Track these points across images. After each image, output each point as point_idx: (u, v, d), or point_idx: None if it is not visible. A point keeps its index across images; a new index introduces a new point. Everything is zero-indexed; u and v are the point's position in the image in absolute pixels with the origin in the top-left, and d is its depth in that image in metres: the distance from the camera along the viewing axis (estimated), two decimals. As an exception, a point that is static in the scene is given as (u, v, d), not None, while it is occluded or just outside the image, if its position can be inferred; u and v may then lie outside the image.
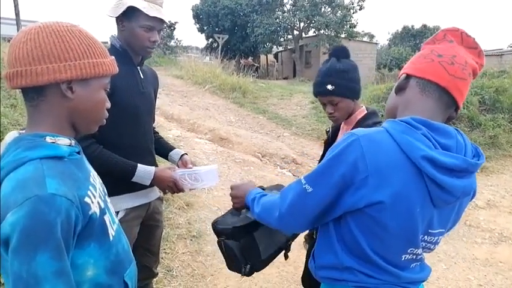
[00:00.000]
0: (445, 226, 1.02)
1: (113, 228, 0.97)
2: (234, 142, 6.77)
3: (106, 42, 2.06)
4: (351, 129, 1.53)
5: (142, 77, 1.71)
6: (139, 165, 1.60)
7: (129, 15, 1.55)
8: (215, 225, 1.50)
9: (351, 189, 0.92)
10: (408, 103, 1.00)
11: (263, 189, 1.69)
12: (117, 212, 1.61)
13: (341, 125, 1.75)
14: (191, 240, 3.34)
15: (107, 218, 0.94)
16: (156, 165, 1.86)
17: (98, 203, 0.91)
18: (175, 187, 1.67)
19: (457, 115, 1.03)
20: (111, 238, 0.94)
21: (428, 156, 0.87)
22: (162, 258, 2.88)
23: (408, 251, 0.99)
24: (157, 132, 2.00)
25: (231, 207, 1.44)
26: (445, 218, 1.00)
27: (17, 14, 11.47)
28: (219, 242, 1.49)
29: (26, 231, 0.72)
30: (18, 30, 10.99)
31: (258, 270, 1.47)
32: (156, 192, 1.85)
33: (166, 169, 1.68)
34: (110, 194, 1.06)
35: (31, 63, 0.83)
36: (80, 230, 0.82)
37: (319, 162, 1.79)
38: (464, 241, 3.94)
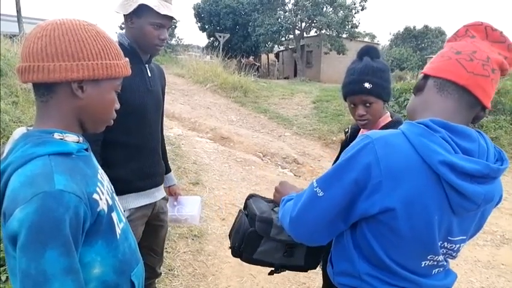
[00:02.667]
0: (466, 233, 0.97)
1: (120, 227, 0.96)
2: (235, 141, 6.77)
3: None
4: None
5: (149, 75, 1.69)
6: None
7: (139, 12, 1.53)
8: (249, 198, 1.49)
9: (364, 195, 0.88)
10: (427, 104, 0.95)
11: None
12: (124, 211, 1.59)
13: (360, 129, 1.63)
14: (192, 239, 3.33)
15: (114, 216, 0.93)
16: (164, 165, 1.88)
17: (106, 200, 0.90)
18: None
19: (485, 114, 0.97)
20: (118, 237, 0.93)
21: (447, 161, 0.82)
22: (164, 257, 2.87)
23: (428, 257, 0.94)
24: (163, 141, 1.97)
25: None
26: (466, 225, 0.95)
27: (18, 11, 11.46)
28: (240, 211, 1.49)
29: (35, 228, 0.71)
30: (19, 27, 10.98)
31: (241, 259, 1.44)
32: (162, 192, 1.84)
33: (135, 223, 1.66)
34: (116, 194, 1.05)
35: (44, 59, 0.82)
36: (89, 226, 0.81)
37: (333, 163, 1.75)
38: (466, 243, 3.92)
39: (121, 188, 1.53)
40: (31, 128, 0.91)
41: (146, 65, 1.68)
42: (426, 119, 0.89)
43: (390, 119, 1.53)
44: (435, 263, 0.97)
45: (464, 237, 0.97)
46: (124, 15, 1.58)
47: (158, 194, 1.79)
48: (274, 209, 1.40)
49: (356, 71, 1.49)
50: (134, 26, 1.57)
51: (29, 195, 0.73)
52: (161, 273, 2.10)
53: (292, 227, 1.02)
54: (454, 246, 0.96)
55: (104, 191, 0.91)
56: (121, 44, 1.61)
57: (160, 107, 1.78)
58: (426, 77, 0.97)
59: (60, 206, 0.74)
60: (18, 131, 0.89)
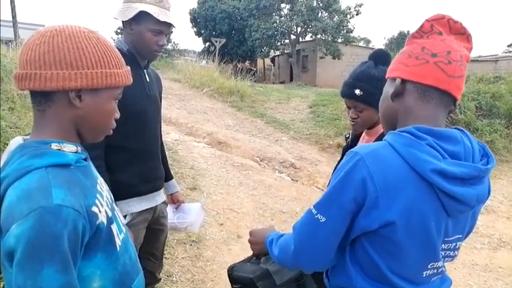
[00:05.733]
0: (462, 232, 0.99)
1: (120, 238, 0.93)
2: (232, 146, 6.76)
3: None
4: (375, 141, 1.44)
5: (148, 80, 1.71)
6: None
7: (139, 19, 1.56)
8: (231, 272, 1.35)
9: (362, 211, 0.88)
10: (409, 110, 0.94)
11: None
12: (125, 216, 1.61)
13: (362, 134, 1.63)
14: (190, 245, 3.32)
15: (114, 227, 0.91)
16: (163, 170, 1.89)
17: (106, 211, 0.88)
18: None
19: (456, 107, 0.98)
20: (118, 248, 0.91)
21: (437, 168, 0.83)
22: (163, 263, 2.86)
23: (429, 266, 0.95)
24: (163, 146, 1.99)
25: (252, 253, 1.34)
26: (461, 225, 0.97)
27: (14, 16, 11.43)
28: None
29: (32, 244, 0.70)
30: (15, 32, 10.95)
31: None
32: (162, 196, 1.85)
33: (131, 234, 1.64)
34: (117, 198, 1.04)
35: (41, 67, 0.80)
36: (88, 240, 0.80)
37: (334, 170, 1.73)
38: (464, 246, 3.93)
39: (123, 192, 1.57)
40: (28, 137, 0.88)
41: (145, 71, 1.70)
42: (410, 126, 0.90)
43: None
44: (435, 270, 0.97)
45: (460, 236, 0.99)
46: (122, 21, 1.60)
47: (158, 198, 1.81)
48: (262, 259, 1.32)
49: (353, 75, 1.50)
50: (134, 32, 1.59)
51: (25, 211, 0.71)
52: (161, 278, 2.09)
53: (298, 258, 0.99)
54: (451, 245, 0.97)
55: (103, 203, 0.88)
56: (119, 50, 1.61)
57: (158, 112, 1.81)
58: (404, 81, 0.94)
59: (58, 221, 0.72)
60: (15, 142, 0.87)
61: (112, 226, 0.90)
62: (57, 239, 0.71)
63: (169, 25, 1.62)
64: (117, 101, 0.95)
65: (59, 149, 0.84)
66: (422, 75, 0.90)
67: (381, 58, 1.48)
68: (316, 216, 0.93)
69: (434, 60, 0.89)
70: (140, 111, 1.62)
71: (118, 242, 0.92)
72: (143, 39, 1.59)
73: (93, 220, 0.81)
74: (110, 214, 0.90)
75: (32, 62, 0.81)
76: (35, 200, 0.72)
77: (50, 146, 0.83)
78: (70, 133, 0.88)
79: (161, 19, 1.55)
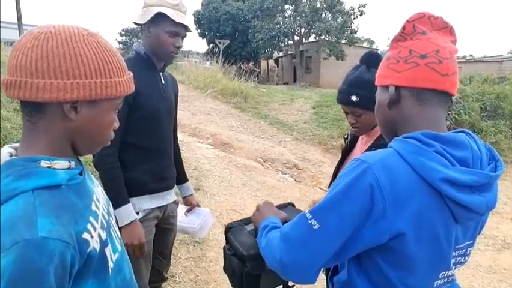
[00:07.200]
0: (473, 238, 0.96)
1: (113, 259, 0.86)
2: (236, 147, 6.78)
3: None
4: (372, 144, 1.46)
5: (163, 82, 1.78)
6: (128, 205, 1.59)
7: (156, 21, 1.63)
8: (228, 231, 1.37)
9: (368, 224, 0.82)
10: (408, 116, 0.91)
11: (292, 205, 1.55)
12: (137, 213, 1.66)
13: (359, 135, 1.63)
14: (193, 245, 3.33)
15: (107, 250, 0.84)
16: (180, 172, 1.99)
17: (99, 235, 0.81)
18: (138, 249, 1.62)
19: (452, 102, 0.95)
20: (110, 272, 0.84)
21: (447, 177, 0.80)
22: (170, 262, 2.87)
23: (440, 276, 0.92)
24: (179, 150, 2.06)
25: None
26: (471, 231, 0.95)
27: (19, 18, 11.53)
28: (225, 250, 1.37)
29: (13, 281, 0.63)
30: (20, 34, 11.05)
31: None
32: (173, 196, 1.90)
33: (142, 229, 1.65)
34: (130, 195, 1.04)
35: (33, 75, 0.71)
36: (77, 269, 0.73)
37: (333, 173, 1.73)
38: (474, 247, 3.91)
39: (136, 189, 1.65)
40: (17, 145, 0.81)
41: (161, 73, 1.77)
42: (416, 132, 0.86)
43: None
44: (446, 280, 0.94)
45: (471, 242, 0.96)
46: (141, 25, 1.68)
47: (170, 197, 1.86)
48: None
49: (347, 81, 1.50)
50: (151, 34, 1.67)
51: (8, 244, 0.64)
52: (167, 277, 2.13)
53: (285, 268, 0.89)
54: (461, 251, 0.95)
55: (97, 225, 0.81)
56: (137, 53, 1.71)
57: (172, 113, 1.86)
58: (397, 88, 0.91)
59: (43, 256, 0.65)
60: (2, 155, 0.78)
61: (105, 249, 0.83)
62: (42, 275, 0.65)
63: (185, 27, 1.68)
64: (117, 110, 0.86)
65: (49, 167, 0.75)
66: (416, 79, 0.87)
67: (372, 61, 1.46)
68: (310, 221, 0.86)
69: (424, 62, 0.86)
70: (154, 111, 1.69)
71: (111, 265, 0.85)
72: (160, 41, 1.65)
73: (83, 248, 0.74)
74: (104, 236, 0.83)
75: (22, 68, 0.71)
76: (18, 232, 0.65)
77: (40, 163, 0.74)
78: (62, 147, 0.80)
79: (178, 20, 1.62)
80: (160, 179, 1.76)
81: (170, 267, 2.91)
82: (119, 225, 1.55)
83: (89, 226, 0.77)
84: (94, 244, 0.77)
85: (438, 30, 0.91)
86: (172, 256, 3.06)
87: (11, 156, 0.78)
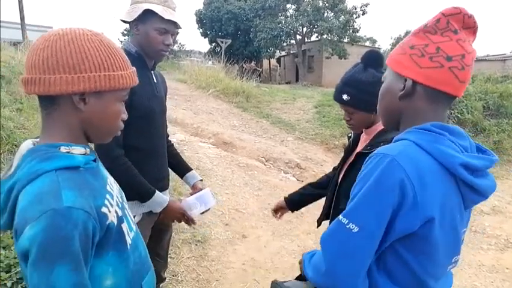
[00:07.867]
0: (467, 224, 1.00)
1: (130, 236, 0.96)
2: (238, 146, 6.78)
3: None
4: (368, 143, 1.49)
5: (155, 81, 1.74)
6: (157, 191, 1.64)
7: (144, 18, 1.58)
8: (278, 285, 1.31)
9: (400, 214, 0.84)
10: (417, 111, 0.94)
11: None
12: (134, 216, 1.63)
13: (362, 133, 1.65)
14: (196, 245, 3.34)
15: (124, 226, 0.93)
16: (182, 163, 2.00)
17: (116, 211, 0.90)
18: (183, 218, 1.74)
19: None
20: (128, 247, 0.94)
21: (464, 162, 0.85)
22: (167, 263, 2.88)
23: (453, 260, 0.97)
24: (172, 145, 2.04)
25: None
26: (467, 217, 0.99)
27: (22, 18, 11.56)
28: None
29: (44, 246, 0.73)
30: (23, 34, 11.08)
31: None
32: (168, 196, 1.87)
33: (177, 201, 1.74)
34: (128, 199, 1.06)
35: (45, 72, 0.82)
36: (98, 239, 0.82)
37: (335, 169, 1.76)
38: (470, 247, 3.91)
39: (132, 193, 1.59)
40: (38, 139, 0.91)
41: (152, 72, 1.73)
42: (427, 123, 0.91)
43: (382, 126, 1.48)
44: (454, 264, 1.00)
45: (465, 229, 1.01)
46: (129, 23, 1.62)
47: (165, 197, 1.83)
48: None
49: (342, 79, 1.53)
50: (140, 32, 1.62)
51: (37, 214, 0.74)
52: (165, 278, 2.12)
53: (331, 276, 0.89)
54: (462, 237, 0.99)
55: (113, 203, 0.90)
56: (127, 51, 1.65)
57: (164, 112, 1.84)
58: (415, 83, 0.92)
59: (69, 223, 0.75)
60: (25, 145, 0.89)
61: (122, 225, 0.92)
62: (68, 240, 0.74)
63: (174, 24, 1.63)
64: (123, 102, 0.95)
65: (67, 152, 0.86)
66: (436, 81, 0.89)
67: (372, 60, 1.47)
68: (348, 226, 0.86)
69: (449, 65, 0.87)
70: (149, 111, 1.66)
71: (129, 241, 0.94)
72: (149, 39, 1.60)
73: (103, 220, 0.83)
74: (120, 213, 0.92)
75: (36, 67, 0.83)
76: (46, 203, 0.75)
77: (59, 149, 0.85)
78: (77, 135, 0.90)
79: (167, 17, 1.56)
80: (157, 180, 1.74)
81: (173, 267, 2.93)
82: (160, 210, 1.66)
83: (106, 202, 0.87)
84: (112, 218, 0.87)
85: (467, 29, 0.91)
86: (174, 255, 3.09)
87: (33, 145, 0.89)
